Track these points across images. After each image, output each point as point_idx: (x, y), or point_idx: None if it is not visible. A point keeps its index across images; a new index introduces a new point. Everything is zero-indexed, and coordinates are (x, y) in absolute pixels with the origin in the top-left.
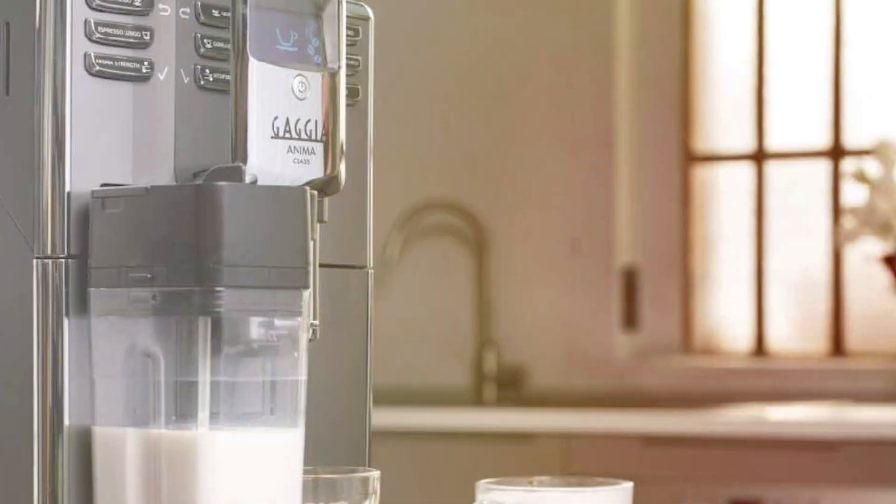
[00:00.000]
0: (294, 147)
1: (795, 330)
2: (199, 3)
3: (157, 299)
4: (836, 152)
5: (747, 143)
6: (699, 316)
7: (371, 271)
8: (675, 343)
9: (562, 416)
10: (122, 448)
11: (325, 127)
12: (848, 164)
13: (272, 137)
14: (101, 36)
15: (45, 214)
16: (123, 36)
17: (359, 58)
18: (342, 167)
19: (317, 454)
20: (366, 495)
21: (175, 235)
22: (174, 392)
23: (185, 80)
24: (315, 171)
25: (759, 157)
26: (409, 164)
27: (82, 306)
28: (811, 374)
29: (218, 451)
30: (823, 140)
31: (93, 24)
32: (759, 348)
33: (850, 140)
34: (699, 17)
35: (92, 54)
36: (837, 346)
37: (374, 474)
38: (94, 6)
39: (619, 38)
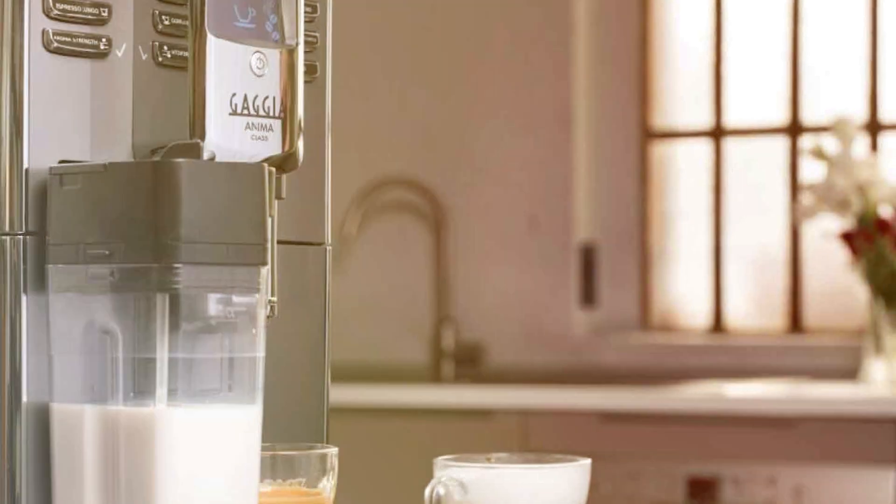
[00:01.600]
0: (252, 124)
1: (753, 306)
2: None
3: (115, 276)
4: (794, 129)
5: (705, 120)
6: (657, 293)
7: (329, 248)
8: (633, 320)
9: (520, 392)
10: (80, 425)
11: (282, 103)
12: (806, 141)
13: (230, 114)
14: (59, 13)
15: (3, 191)
16: (81, 13)
17: (316, 34)
18: (300, 144)
19: (275, 431)
20: (324, 472)
21: (133, 212)
22: (132, 369)
23: (143, 57)
24: (273, 147)
25: (717, 133)
26: (367, 140)
27: (40, 283)
28: (769, 351)
29: (176, 427)
30: (781, 117)
31: (50, 1)
32: (717, 325)
33: (808, 117)
34: None
35: (50, 31)
36: (795, 322)
37: (332, 451)
38: None
39: (577, 15)
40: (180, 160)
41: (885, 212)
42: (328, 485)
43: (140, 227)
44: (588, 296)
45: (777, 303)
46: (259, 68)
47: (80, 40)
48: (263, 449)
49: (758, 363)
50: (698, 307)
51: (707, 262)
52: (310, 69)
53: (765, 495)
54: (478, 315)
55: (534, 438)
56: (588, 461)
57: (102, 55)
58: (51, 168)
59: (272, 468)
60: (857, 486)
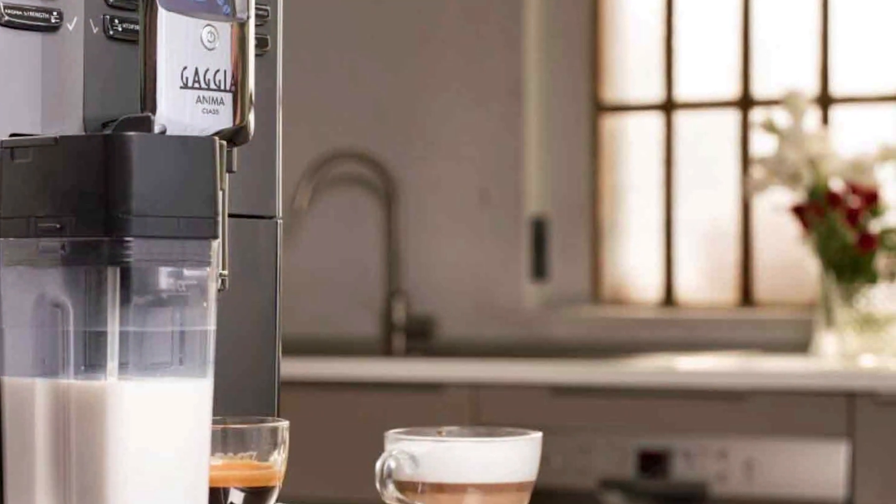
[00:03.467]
0: (203, 97)
1: (704, 280)
2: None
3: (66, 249)
4: (745, 102)
5: (656, 93)
6: (608, 266)
7: (280, 221)
8: (584, 293)
9: (471, 366)
10: (30, 398)
11: (233, 77)
12: (757, 114)
13: (181, 87)
14: None
15: None
16: None
17: (267, 7)
18: (251, 117)
19: (226, 404)
20: (275, 445)
21: (84, 185)
22: (83, 342)
23: (95, 30)
24: (224, 121)
25: (669, 106)
26: (317, 113)
27: None
28: (720, 325)
29: (127, 401)
30: (732, 90)
31: None
32: (668, 298)
33: (759, 90)
34: None
35: (1, 4)
36: (746, 296)
37: (283, 424)
38: None
39: None
40: (131, 134)
41: (835, 185)
42: (279, 458)
43: (91, 200)
44: (539, 269)
45: (728, 276)
46: (210, 42)
47: (31, 14)
48: (214, 422)
49: (709, 336)
50: (649, 280)
51: (658, 235)
52: (261, 42)
53: (716, 468)
54: (429, 288)
55: (485, 412)
56: (539, 434)
57: (53, 28)
58: (2, 141)
59: (223, 442)
60: (808, 459)
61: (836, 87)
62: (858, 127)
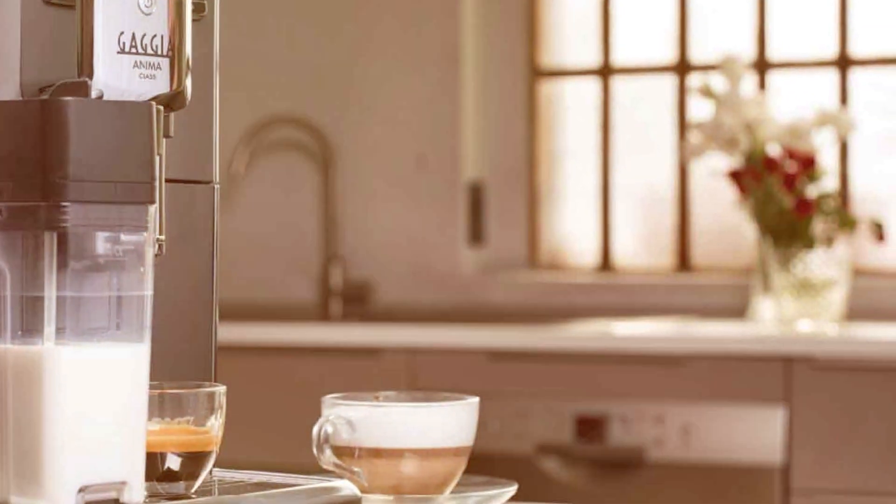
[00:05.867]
0: (140, 62)
1: (641, 245)
2: None
3: (3, 214)
4: (682, 67)
5: (593, 58)
6: (545, 231)
7: (217, 186)
8: (521, 258)
9: (408, 331)
10: None
11: (171, 42)
12: (694, 79)
13: (118, 52)
14: None
15: None
16: None
17: None
18: (188, 82)
19: (163, 369)
20: (212, 410)
21: (21, 150)
22: (20, 307)
23: None
24: (161, 86)
25: (605, 72)
26: (255, 79)
27: None
28: (657, 290)
29: (64, 365)
30: (669, 55)
31: None
32: (605, 263)
33: (696, 55)
34: None
35: None
36: (683, 261)
37: (220, 389)
38: None
39: None
40: (68, 99)
41: (772, 150)
42: (216, 423)
43: (28, 165)
44: (476, 234)
45: (665, 241)
46: (147, 7)
47: None
48: (151, 387)
49: (646, 301)
50: (586, 246)
51: (595, 200)
52: (198, 7)
53: (653, 434)
54: (366, 253)
55: (422, 377)
56: (476, 399)
57: None
58: None
59: (160, 407)
60: (745, 424)
61: (773, 52)
62: (795, 92)
